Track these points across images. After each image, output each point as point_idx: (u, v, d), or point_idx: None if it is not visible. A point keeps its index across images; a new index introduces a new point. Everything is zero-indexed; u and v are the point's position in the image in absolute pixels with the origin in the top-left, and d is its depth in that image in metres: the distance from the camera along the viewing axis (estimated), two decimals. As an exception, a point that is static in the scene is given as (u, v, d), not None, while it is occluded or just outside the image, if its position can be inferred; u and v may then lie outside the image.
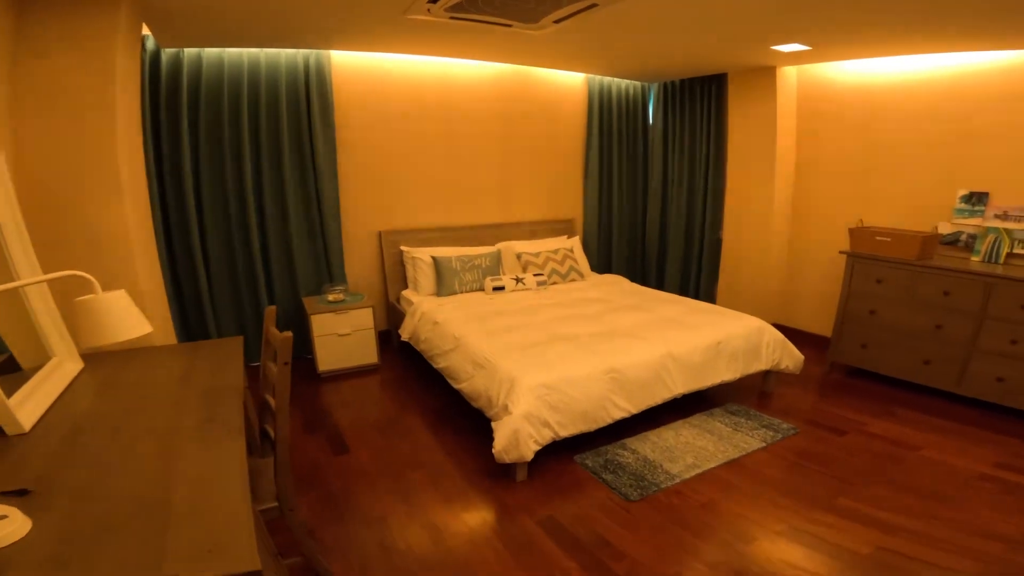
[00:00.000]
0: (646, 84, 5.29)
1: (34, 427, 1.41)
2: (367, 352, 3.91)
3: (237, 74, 3.57)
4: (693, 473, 2.57)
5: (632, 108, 5.27)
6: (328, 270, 4.11)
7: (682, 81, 4.92)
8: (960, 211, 3.43)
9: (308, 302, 3.86)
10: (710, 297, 4.97)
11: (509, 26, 3.04)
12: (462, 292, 4.08)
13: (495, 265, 4.28)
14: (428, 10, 2.72)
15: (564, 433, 2.54)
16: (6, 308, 1.66)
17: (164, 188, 3.47)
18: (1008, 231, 3.21)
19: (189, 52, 3.41)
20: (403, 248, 4.27)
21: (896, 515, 2.23)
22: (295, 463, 2.70)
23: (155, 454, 1.31)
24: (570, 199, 5.22)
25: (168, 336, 2.76)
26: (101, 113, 2.16)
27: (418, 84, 4.20)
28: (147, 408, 1.58)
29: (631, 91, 5.22)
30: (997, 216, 3.27)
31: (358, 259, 4.29)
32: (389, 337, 4.46)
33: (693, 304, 3.71)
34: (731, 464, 2.66)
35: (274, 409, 1.64)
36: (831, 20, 2.84)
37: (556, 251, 4.56)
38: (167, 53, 3.35)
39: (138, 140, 2.64)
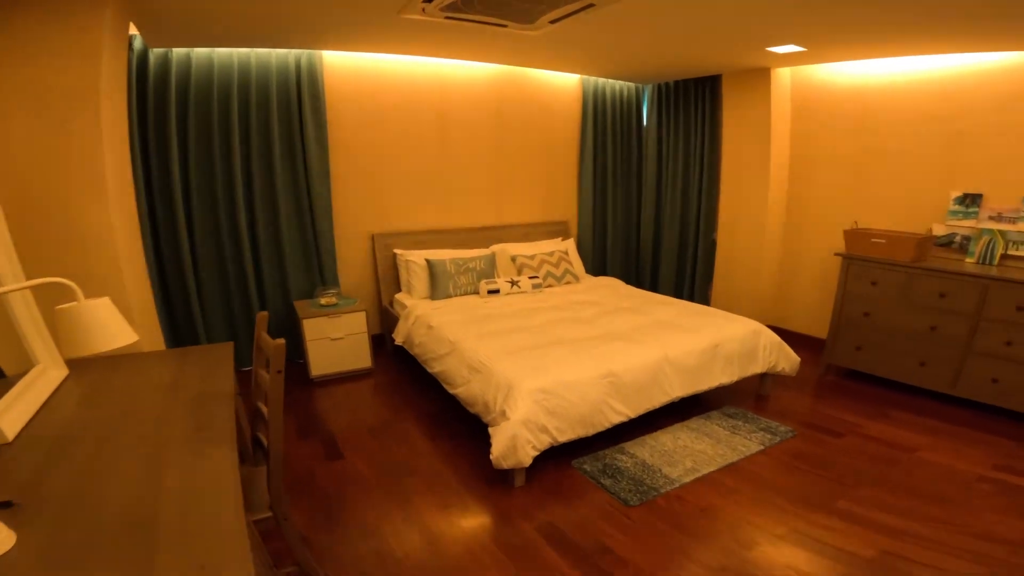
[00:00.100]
0: (640, 85, 5.28)
1: (17, 436, 1.35)
2: (360, 356, 3.86)
3: (227, 74, 3.51)
4: (692, 477, 2.55)
5: (626, 109, 5.27)
6: (320, 273, 4.05)
7: (676, 82, 4.92)
8: (954, 213, 3.44)
9: (300, 306, 3.80)
10: (704, 299, 4.96)
11: (504, 26, 3.02)
12: (456, 295, 4.03)
13: (490, 268, 4.24)
14: (423, 10, 2.69)
15: (562, 438, 2.51)
16: (-13, 314, 1.60)
17: (151, 190, 3.40)
18: (1002, 232, 3.22)
19: (178, 52, 3.35)
20: (396, 251, 4.22)
21: (898, 518, 2.21)
22: (288, 469, 2.64)
23: (144, 464, 1.27)
24: (564, 201, 5.20)
25: (156, 342, 2.70)
26: (86, 113, 2.11)
27: (412, 85, 4.16)
28: (135, 416, 1.52)
29: (625, 92, 5.22)
30: (991, 218, 3.28)
31: (351, 262, 4.24)
32: (382, 341, 4.40)
33: (689, 307, 3.70)
34: (730, 468, 2.64)
35: (267, 417, 1.59)
36: (827, 21, 2.84)
37: (551, 253, 4.53)
38: (155, 53, 3.29)
39: (125, 141, 2.59)
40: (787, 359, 3.37)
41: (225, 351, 2.08)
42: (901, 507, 2.29)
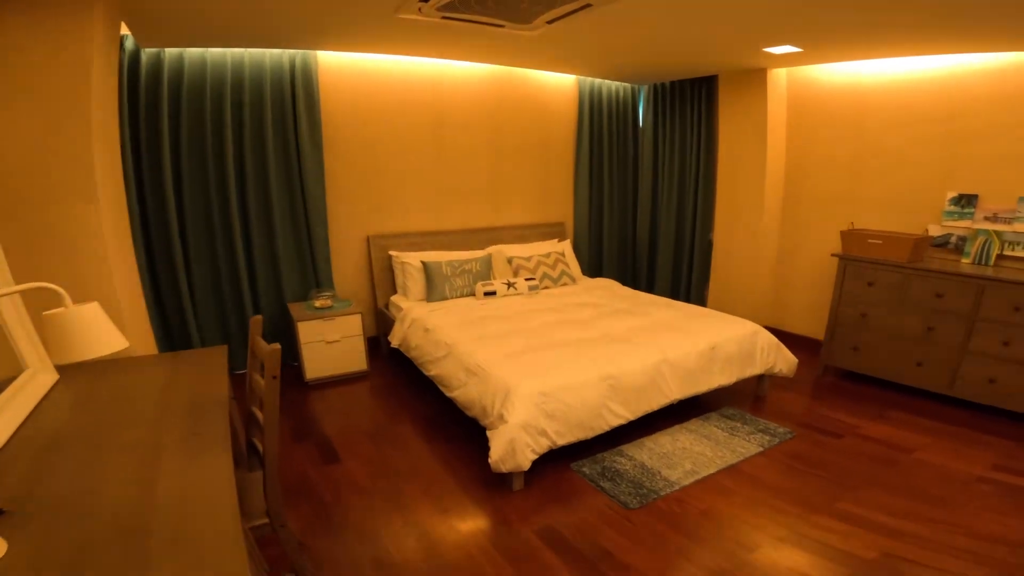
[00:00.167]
0: (636, 86, 5.28)
1: (7, 443, 1.32)
2: (356, 359, 3.82)
3: (220, 75, 3.47)
4: (692, 480, 2.53)
5: (622, 110, 5.26)
6: (315, 275, 4.01)
7: (672, 83, 4.92)
8: (949, 213, 3.45)
9: (294, 308, 3.76)
10: (701, 300, 4.96)
11: (501, 27, 3.00)
12: (453, 297, 4.01)
13: (486, 270, 4.22)
14: (419, 9, 2.67)
15: (561, 442, 2.48)
16: (-26, 317, 1.56)
17: (143, 192, 3.36)
18: (998, 233, 3.23)
19: (170, 52, 3.31)
20: (392, 253, 4.19)
21: (898, 519, 2.20)
22: (283, 473, 2.61)
23: (137, 471, 1.24)
24: (560, 202, 5.18)
25: (148, 346, 2.66)
26: (76, 114, 2.07)
27: (408, 85, 4.13)
28: (127, 422, 1.49)
29: (621, 93, 5.21)
30: (987, 218, 3.29)
31: (345, 264, 4.20)
32: (378, 343, 4.37)
33: (686, 308, 3.69)
34: (730, 470, 2.62)
35: (262, 423, 1.56)
36: (824, 22, 2.84)
37: (547, 255, 4.51)
38: (147, 53, 3.25)
39: (115, 142, 2.55)
40: (784, 360, 3.36)
41: (219, 355, 2.05)
42: (901, 508, 2.28)
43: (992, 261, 3.25)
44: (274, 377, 1.49)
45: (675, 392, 2.89)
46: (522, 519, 2.28)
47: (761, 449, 2.80)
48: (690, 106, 4.80)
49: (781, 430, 2.99)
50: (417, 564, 2.02)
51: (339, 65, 3.86)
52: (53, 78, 2.02)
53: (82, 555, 0.94)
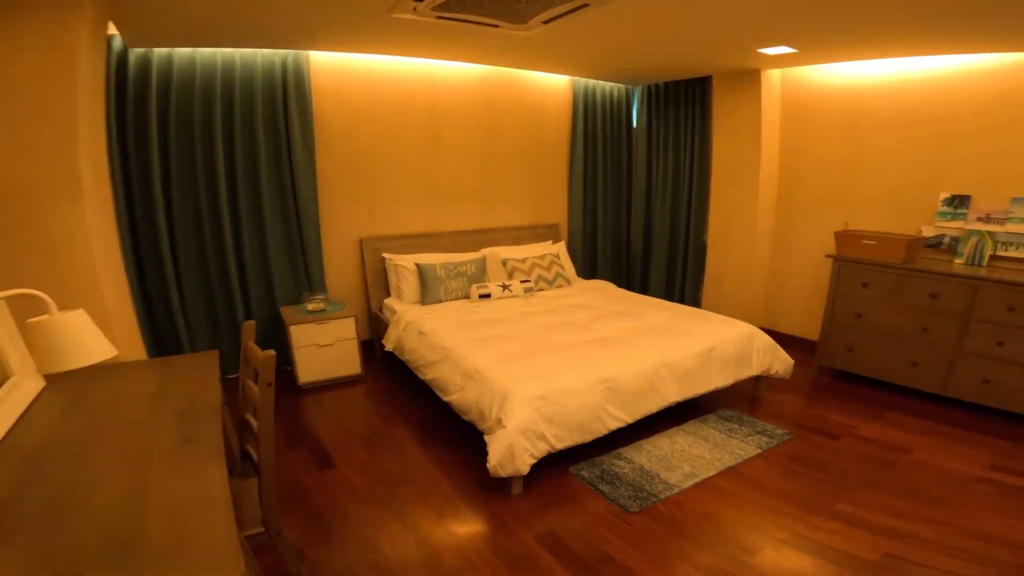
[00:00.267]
0: (630, 87, 5.28)
1: (-10, 453, 1.27)
2: (350, 363, 3.77)
3: (210, 75, 3.42)
4: (691, 482, 2.51)
5: (616, 111, 5.26)
6: (307, 278, 3.96)
7: (666, 84, 4.92)
8: (942, 214, 3.47)
9: (286, 312, 3.71)
10: (695, 301, 4.96)
11: (496, 26, 2.97)
12: (447, 300, 3.97)
13: (480, 272, 4.19)
14: (414, 9, 2.64)
15: (560, 445, 2.46)
16: (-43, 322, 1.51)
17: (131, 193, 3.29)
18: (991, 234, 3.25)
19: (159, 52, 3.25)
20: (385, 255, 4.15)
21: (898, 520, 2.20)
22: (277, 480, 2.54)
23: (127, 480, 1.19)
24: (555, 203, 5.17)
25: (137, 351, 2.60)
26: (62, 115, 2.02)
27: (401, 86, 4.10)
28: (117, 430, 1.44)
29: (615, 94, 5.21)
30: (979, 219, 3.31)
31: (338, 267, 4.16)
32: (372, 347, 4.32)
33: (682, 310, 3.68)
34: (728, 472, 2.61)
35: (256, 431, 1.52)
36: (820, 21, 2.85)
37: (542, 257, 4.49)
38: (135, 53, 3.19)
39: (102, 143, 2.50)
40: (781, 361, 3.35)
41: (210, 359, 2.00)
42: (901, 509, 2.28)
43: (985, 261, 3.27)
44: (269, 384, 1.45)
45: (673, 394, 2.87)
46: (522, 524, 2.24)
47: (759, 451, 2.79)
48: (684, 107, 4.80)
49: (779, 431, 2.98)
50: (416, 570, 1.98)
51: (332, 65, 3.82)
52: (38, 78, 1.97)
53: (71, 568, 0.90)
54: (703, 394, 3.04)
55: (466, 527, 2.24)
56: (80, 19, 2.03)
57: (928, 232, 3.55)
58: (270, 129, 3.66)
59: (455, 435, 2.99)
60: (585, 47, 3.61)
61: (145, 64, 3.21)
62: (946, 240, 3.47)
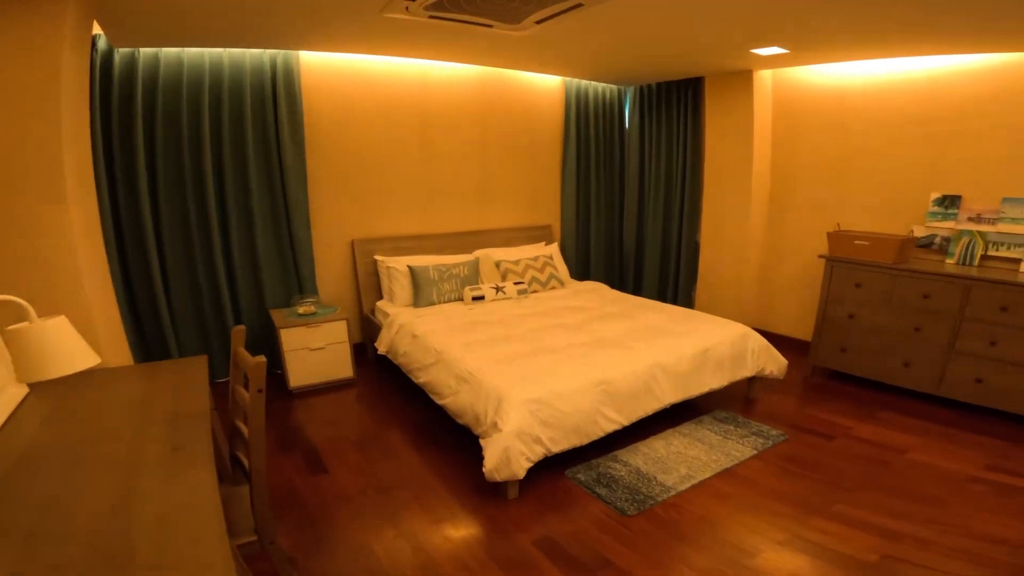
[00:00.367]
0: (622, 87, 5.28)
1: (-31, 464, 1.23)
2: (342, 366, 3.73)
3: (198, 75, 3.36)
4: (688, 484, 2.49)
5: (608, 112, 5.25)
6: (298, 281, 3.91)
7: (658, 85, 4.92)
8: (933, 214, 3.49)
9: (277, 315, 3.65)
10: (688, 302, 4.95)
11: (489, 26, 2.95)
12: (440, 302, 3.94)
13: (473, 274, 4.16)
14: (406, 8, 2.61)
15: (556, 449, 2.43)
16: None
17: (116, 195, 3.23)
18: (981, 234, 3.27)
19: (145, 52, 3.19)
20: (377, 257, 4.11)
21: (896, 521, 2.19)
22: (269, 486, 2.50)
23: (115, 488, 1.16)
24: (547, 204, 5.15)
25: (123, 356, 2.55)
26: (45, 115, 1.97)
27: (393, 86, 4.06)
28: (104, 437, 1.40)
29: (607, 94, 5.20)
30: (970, 219, 3.33)
31: (330, 269, 4.11)
32: (364, 350, 4.27)
33: (676, 311, 3.67)
34: (725, 473, 2.60)
35: (247, 437, 1.49)
36: (815, 21, 2.85)
37: (536, 258, 4.47)
38: (121, 53, 3.13)
39: (87, 144, 2.44)
40: (775, 362, 3.35)
41: (199, 365, 1.97)
42: (898, 509, 2.27)
43: (976, 261, 3.29)
44: (260, 391, 1.41)
45: (669, 396, 2.86)
46: (518, 528, 2.22)
47: (755, 452, 2.78)
48: (676, 108, 4.80)
49: (774, 432, 2.97)
50: (411, 579, 1.95)
51: (322, 65, 3.78)
52: (21, 78, 1.92)
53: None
54: (698, 395, 3.03)
55: (462, 532, 2.21)
56: (63, 18, 1.98)
57: (919, 232, 3.57)
58: (259, 129, 3.61)
59: (450, 439, 2.96)
60: (578, 47, 3.60)
61: (131, 64, 3.16)
62: (937, 240, 3.49)
